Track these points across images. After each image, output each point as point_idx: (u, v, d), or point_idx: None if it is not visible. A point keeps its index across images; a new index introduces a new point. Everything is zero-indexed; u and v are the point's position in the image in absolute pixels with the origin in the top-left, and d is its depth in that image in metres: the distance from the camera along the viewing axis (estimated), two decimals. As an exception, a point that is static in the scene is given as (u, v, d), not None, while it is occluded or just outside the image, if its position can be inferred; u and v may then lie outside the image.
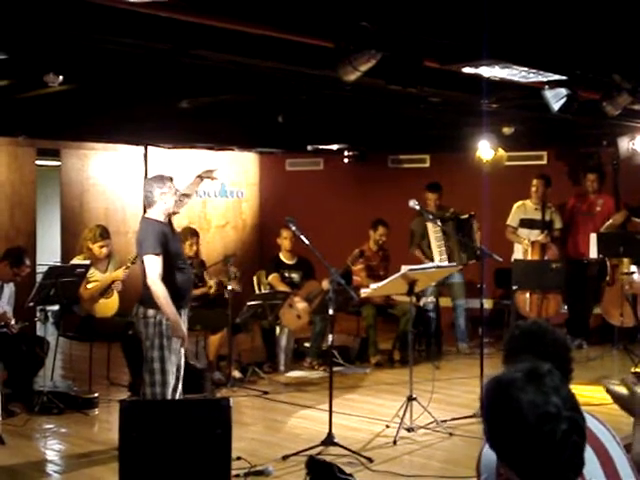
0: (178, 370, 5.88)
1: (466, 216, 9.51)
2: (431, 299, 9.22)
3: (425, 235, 9.63)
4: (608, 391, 3.29)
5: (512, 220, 9.90)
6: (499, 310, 10.42)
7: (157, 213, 5.79)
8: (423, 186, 9.94)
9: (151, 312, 5.67)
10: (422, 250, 9.66)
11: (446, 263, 9.01)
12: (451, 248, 9.51)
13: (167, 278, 5.68)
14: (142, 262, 5.71)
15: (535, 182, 9.74)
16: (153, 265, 5.64)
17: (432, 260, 9.26)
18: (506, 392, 1.94)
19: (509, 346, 2.91)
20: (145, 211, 5.98)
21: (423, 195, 9.67)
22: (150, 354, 5.70)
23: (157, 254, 5.63)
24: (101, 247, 7.80)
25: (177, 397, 5.87)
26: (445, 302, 10.64)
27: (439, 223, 8.79)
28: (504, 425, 1.94)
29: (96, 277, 7.73)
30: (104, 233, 7.90)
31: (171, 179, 5.86)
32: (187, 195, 6.23)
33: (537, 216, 9.72)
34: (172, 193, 5.78)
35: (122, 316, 7.78)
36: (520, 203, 9.90)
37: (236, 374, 8.18)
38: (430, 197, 9.74)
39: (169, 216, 5.87)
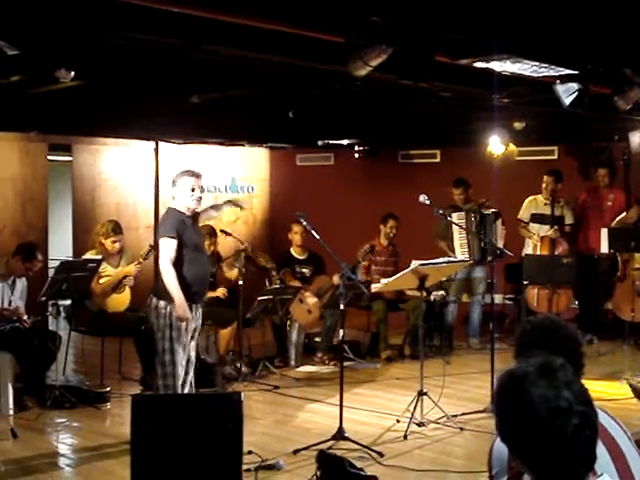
0: (188, 363, 5.91)
1: (489, 212, 9.47)
2: (441, 293, 9.20)
3: (449, 228, 9.61)
4: (631, 386, 3.29)
5: (523, 215, 9.89)
6: (509, 305, 10.43)
7: (177, 204, 5.88)
8: (434, 181, 9.93)
9: (162, 303, 5.72)
10: (447, 243, 9.67)
11: (459, 257, 9.01)
12: (470, 242, 9.50)
13: (181, 267, 5.73)
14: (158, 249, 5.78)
15: (545, 178, 9.72)
16: (166, 248, 5.72)
17: (454, 253, 9.30)
18: (518, 386, 1.95)
19: (520, 341, 2.90)
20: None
21: (450, 190, 9.70)
22: (161, 345, 5.75)
23: (171, 237, 5.70)
24: (113, 242, 7.83)
25: (187, 391, 5.91)
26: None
27: (450, 218, 8.76)
28: (516, 419, 1.94)
29: (108, 272, 7.76)
30: (116, 228, 7.93)
31: (195, 175, 5.88)
32: (215, 208, 6.35)
33: (548, 211, 9.71)
34: (189, 188, 5.81)
35: (134, 311, 7.82)
36: (532, 198, 9.89)
37: (246, 369, 8.20)
38: (454, 192, 9.74)
39: (192, 212, 5.92)
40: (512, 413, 1.95)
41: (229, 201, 6.47)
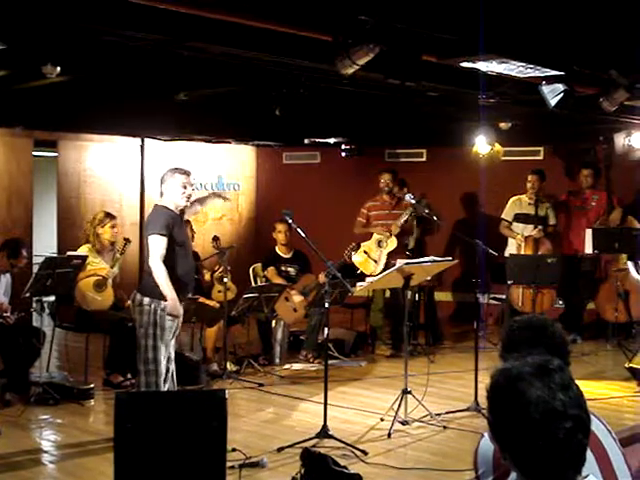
0: (168, 361, 5.90)
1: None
2: None
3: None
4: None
5: (507, 214, 9.92)
6: (493, 305, 10.47)
7: (167, 202, 5.88)
8: (420, 180, 9.95)
9: (147, 300, 5.71)
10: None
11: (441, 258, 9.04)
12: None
13: (170, 264, 5.73)
14: (147, 246, 5.76)
15: (530, 177, 9.76)
16: (156, 245, 5.71)
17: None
18: (513, 385, 1.92)
19: (507, 339, 2.89)
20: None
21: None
22: (143, 342, 5.74)
23: (162, 235, 5.70)
24: (112, 227, 7.83)
25: (167, 388, 5.90)
26: (444, 297, 10.69)
27: (435, 218, 8.80)
28: (508, 418, 1.92)
29: (99, 266, 7.73)
30: (110, 215, 7.97)
31: (186, 173, 5.90)
32: (199, 202, 6.37)
33: (532, 211, 9.75)
34: (181, 186, 5.83)
35: (119, 309, 7.82)
36: (515, 198, 9.92)
37: (231, 366, 8.20)
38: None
39: (180, 209, 5.93)
40: (505, 412, 1.93)
41: (213, 193, 6.48)
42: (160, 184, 5.94)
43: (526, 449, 1.89)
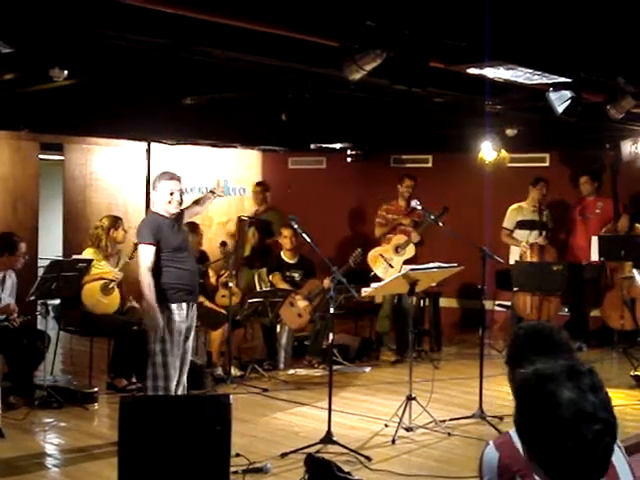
0: (183, 364, 5.91)
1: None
2: None
3: None
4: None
5: (508, 223, 9.88)
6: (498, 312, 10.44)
7: (158, 208, 5.90)
8: (426, 186, 9.93)
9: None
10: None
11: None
12: None
13: (162, 271, 5.75)
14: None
15: (540, 186, 9.72)
16: (144, 254, 5.80)
17: None
18: (544, 386, 1.94)
19: (513, 346, 2.90)
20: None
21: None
22: (153, 347, 5.76)
23: (148, 243, 5.75)
24: (121, 230, 7.86)
25: (180, 392, 5.90)
26: (448, 303, 10.66)
27: (441, 224, 8.76)
28: (538, 418, 1.93)
29: (105, 269, 7.72)
30: (116, 216, 8.04)
31: (173, 178, 5.90)
32: (197, 203, 6.40)
33: (536, 217, 9.73)
34: (168, 192, 5.83)
35: (123, 314, 7.80)
36: (516, 206, 9.90)
37: (236, 371, 8.18)
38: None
39: (173, 215, 5.92)
40: (535, 412, 1.94)
41: (211, 192, 6.49)
42: (152, 190, 5.96)
43: (554, 450, 1.90)
